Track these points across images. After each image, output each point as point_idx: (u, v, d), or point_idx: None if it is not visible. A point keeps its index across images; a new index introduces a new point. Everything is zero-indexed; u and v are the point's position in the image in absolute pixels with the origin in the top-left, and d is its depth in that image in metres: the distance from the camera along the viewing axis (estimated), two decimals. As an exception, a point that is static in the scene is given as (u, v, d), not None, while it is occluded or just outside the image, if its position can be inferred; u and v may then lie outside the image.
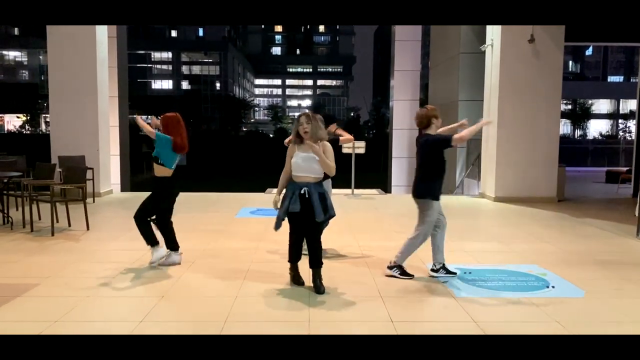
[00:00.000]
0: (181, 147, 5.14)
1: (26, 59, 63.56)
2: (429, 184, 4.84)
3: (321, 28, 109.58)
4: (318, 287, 4.44)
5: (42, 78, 54.62)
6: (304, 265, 4.65)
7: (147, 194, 5.31)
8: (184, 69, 79.71)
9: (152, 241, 5.23)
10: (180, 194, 5.33)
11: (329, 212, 4.47)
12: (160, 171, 5.14)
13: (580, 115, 52.49)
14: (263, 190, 11.86)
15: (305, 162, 4.40)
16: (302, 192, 4.37)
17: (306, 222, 4.45)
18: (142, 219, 5.18)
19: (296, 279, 4.67)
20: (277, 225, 4.57)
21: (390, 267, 4.95)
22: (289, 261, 4.69)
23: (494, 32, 10.55)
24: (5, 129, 57.02)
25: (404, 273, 4.90)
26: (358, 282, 4.80)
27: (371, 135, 62.69)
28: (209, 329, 3.62)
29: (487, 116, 10.86)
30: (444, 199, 5.15)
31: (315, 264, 4.52)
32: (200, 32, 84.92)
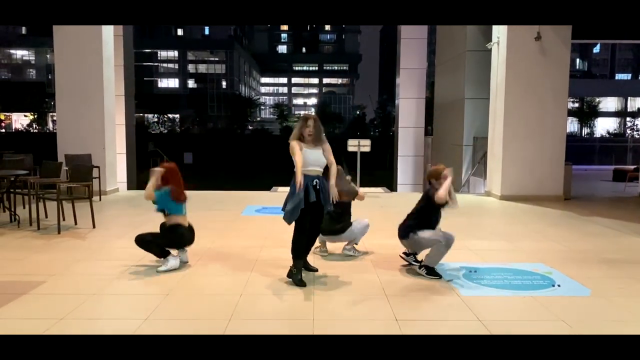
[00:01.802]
0: (178, 196, 5.02)
1: (33, 58, 63.91)
2: (411, 228, 4.99)
3: (327, 26, 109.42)
4: (304, 276, 4.72)
5: (50, 77, 54.92)
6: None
7: None
8: (190, 68, 79.80)
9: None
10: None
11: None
12: (173, 219, 5.08)
13: (587, 113, 52.23)
14: (269, 189, 11.86)
15: (316, 157, 4.62)
16: (314, 183, 4.58)
17: (316, 212, 4.65)
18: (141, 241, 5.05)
19: (308, 268, 4.89)
20: (293, 218, 4.57)
21: (420, 267, 4.95)
22: (299, 257, 4.71)
23: (500, 30, 10.50)
24: (13, 128, 57.40)
25: (431, 272, 4.86)
26: (363, 280, 4.80)
27: (377, 134, 62.60)
28: (214, 327, 3.63)
29: (493, 114, 10.82)
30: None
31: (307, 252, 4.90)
32: (206, 31, 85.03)
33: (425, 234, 4.90)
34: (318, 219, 4.77)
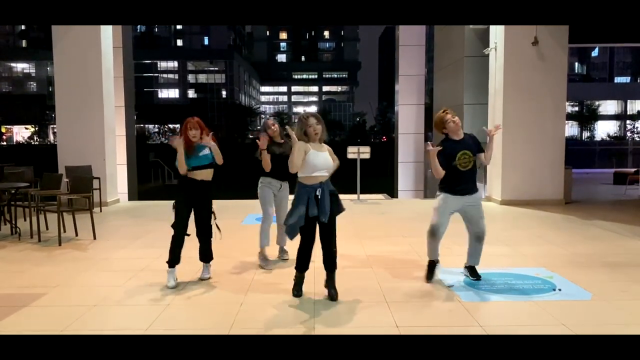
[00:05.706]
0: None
1: (34, 71, 64.22)
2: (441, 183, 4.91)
3: (326, 34, 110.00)
4: (332, 295, 4.39)
5: (50, 89, 55.12)
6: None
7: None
8: (190, 78, 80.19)
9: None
10: None
11: (339, 210, 4.45)
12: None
13: (587, 117, 52.24)
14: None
15: (325, 160, 4.31)
16: (317, 194, 4.26)
17: (321, 224, 4.34)
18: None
19: (298, 290, 4.52)
20: (294, 234, 4.33)
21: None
22: (298, 270, 4.52)
23: (497, 35, 10.54)
24: (14, 140, 57.56)
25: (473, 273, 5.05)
26: (364, 287, 4.79)
27: (379, 140, 62.65)
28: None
29: (492, 119, 10.84)
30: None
31: (332, 267, 4.45)
32: (206, 41, 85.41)
33: (434, 202, 4.95)
34: (326, 230, 4.37)
